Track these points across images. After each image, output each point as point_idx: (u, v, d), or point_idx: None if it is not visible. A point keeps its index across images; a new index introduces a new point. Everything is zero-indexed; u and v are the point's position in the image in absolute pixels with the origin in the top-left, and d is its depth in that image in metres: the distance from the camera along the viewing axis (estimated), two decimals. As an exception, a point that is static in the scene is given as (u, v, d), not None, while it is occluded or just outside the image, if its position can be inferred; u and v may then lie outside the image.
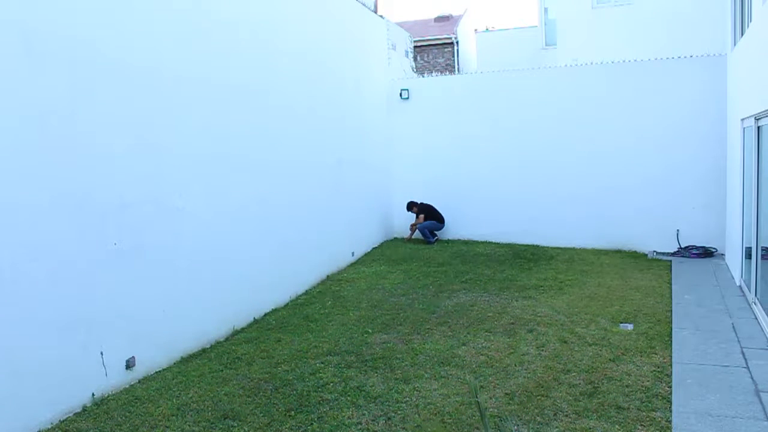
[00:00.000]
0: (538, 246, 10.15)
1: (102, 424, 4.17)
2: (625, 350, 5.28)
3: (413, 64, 13.47)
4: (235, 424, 4.12)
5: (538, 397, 4.40)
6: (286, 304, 7.18)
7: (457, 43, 18.96)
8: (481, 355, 5.28)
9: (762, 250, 6.18)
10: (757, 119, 6.25)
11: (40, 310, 4.09)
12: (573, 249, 9.92)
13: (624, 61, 9.70)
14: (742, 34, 7.56)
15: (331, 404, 4.39)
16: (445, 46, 19.08)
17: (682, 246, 9.37)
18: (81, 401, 4.41)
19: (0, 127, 3.79)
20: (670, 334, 5.69)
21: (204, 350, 5.65)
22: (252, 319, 6.53)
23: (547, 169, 10.15)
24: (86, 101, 4.43)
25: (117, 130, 4.72)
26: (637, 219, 9.67)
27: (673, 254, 9.32)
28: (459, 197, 10.75)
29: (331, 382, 4.78)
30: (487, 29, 21.11)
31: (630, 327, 5.92)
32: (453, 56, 18.98)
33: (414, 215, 10.95)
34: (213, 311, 5.89)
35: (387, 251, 10.19)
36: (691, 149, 9.27)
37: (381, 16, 11.26)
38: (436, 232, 10.83)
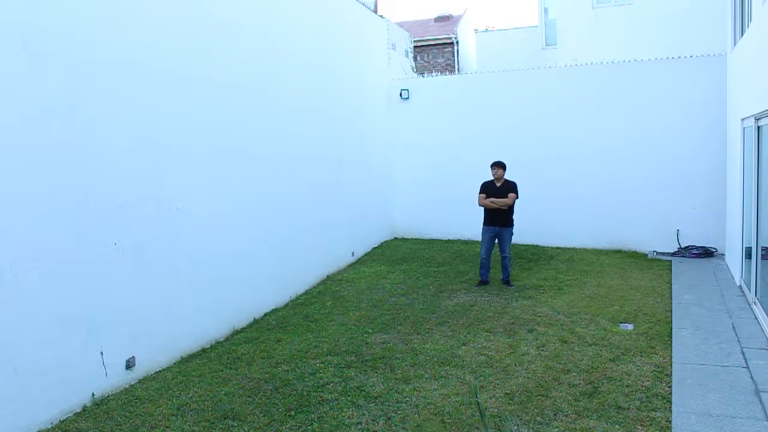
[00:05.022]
0: (538, 246, 10.15)
1: (102, 424, 4.17)
2: (625, 350, 5.28)
3: (413, 64, 13.47)
4: (235, 424, 4.12)
5: (538, 397, 4.40)
6: (286, 304, 7.18)
7: (457, 43, 18.95)
8: (481, 355, 5.28)
9: (762, 250, 6.18)
10: (757, 119, 6.25)
11: (40, 310, 4.09)
12: (573, 249, 9.92)
13: (624, 61, 9.70)
14: (742, 34, 7.56)
15: (331, 404, 4.39)
16: (445, 46, 19.06)
17: (682, 246, 9.37)
18: (81, 401, 4.41)
19: (0, 127, 3.80)
20: (670, 334, 5.69)
21: (204, 350, 5.65)
22: (252, 319, 6.53)
23: (548, 168, 10.15)
24: (86, 101, 4.43)
25: (117, 130, 4.72)
26: (637, 219, 9.67)
27: (673, 254, 9.32)
28: (459, 197, 10.73)
29: (331, 382, 4.78)
30: (487, 29, 21.09)
31: (630, 327, 5.92)
32: (453, 56, 18.97)
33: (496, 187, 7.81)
34: (213, 311, 5.89)
35: (387, 251, 10.19)
36: (691, 149, 9.27)
37: (381, 16, 11.26)
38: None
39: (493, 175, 7.74)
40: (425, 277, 8.30)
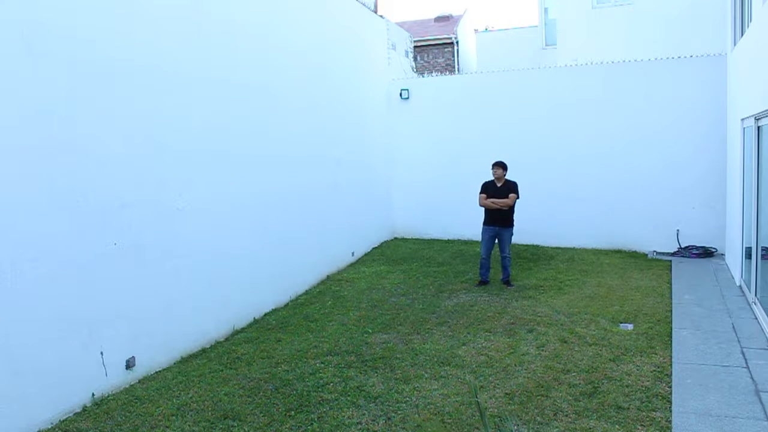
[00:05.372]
0: (538, 246, 10.15)
1: (102, 424, 4.17)
2: (625, 350, 5.28)
3: (413, 64, 13.47)
4: (235, 424, 4.12)
5: (538, 397, 4.40)
6: (286, 304, 7.18)
7: (457, 43, 18.94)
8: (481, 355, 5.28)
9: (762, 250, 6.18)
10: (757, 119, 6.25)
11: (40, 309, 4.09)
12: (573, 249, 9.92)
13: (624, 61, 9.69)
14: (742, 34, 7.56)
15: (331, 404, 4.39)
16: (445, 46, 19.05)
17: (682, 246, 9.37)
18: (81, 401, 4.41)
19: (0, 127, 3.80)
20: (670, 334, 5.69)
21: (204, 350, 5.65)
22: (252, 319, 6.53)
23: (547, 168, 10.15)
24: (86, 101, 4.43)
25: (117, 130, 4.72)
26: (637, 219, 9.67)
27: (673, 254, 9.32)
28: (459, 197, 10.73)
29: (331, 382, 4.78)
30: (487, 29, 21.10)
31: (630, 327, 5.92)
32: (453, 56, 18.96)
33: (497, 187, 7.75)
34: (213, 311, 5.89)
35: (387, 251, 10.19)
36: (691, 149, 9.27)
37: (381, 16, 11.26)
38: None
39: (494, 175, 7.75)
40: (425, 277, 8.30)
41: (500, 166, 7.75)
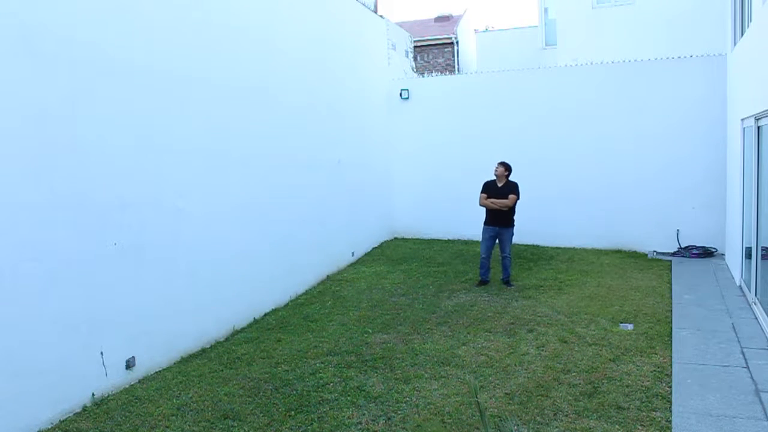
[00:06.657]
0: (538, 246, 10.14)
1: (102, 424, 4.17)
2: (625, 350, 5.28)
3: (413, 64, 13.47)
4: (235, 424, 4.12)
5: (538, 397, 4.40)
6: (286, 304, 7.18)
7: (457, 43, 18.95)
8: (481, 355, 5.28)
9: (762, 250, 6.18)
10: (757, 119, 6.25)
11: (40, 310, 4.09)
12: (573, 249, 9.92)
13: (624, 61, 9.69)
14: (742, 34, 7.56)
15: (331, 404, 4.39)
16: (445, 46, 19.06)
17: (682, 246, 9.37)
18: (81, 401, 4.41)
19: (0, 127, 3.80)
20: (670, 334, 5.69)
21: (204, 350, 5.65)
22: (252, 319, 6.53)
23: (547, 169, 10.14)
24: (86, 101, 4.43)
25: (117, 130, 4.72)
26: (637, 219, 9.67)
27: (673, 254, 9.32)
28: (459, 197, 10.73)
29: (331, 382, 4.78)
30: (487, 29, 21.11)
31: (630, 327, 5.92)
32: (453, 56, 18.96)
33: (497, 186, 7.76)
34: (213, 311, 5.89)
35: (387, 251, 10.19)
36: (691, 149, 9.27)
37: (381, 16, 11.25)
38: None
39: (495, 172, 7.76)
40: (425, 277, 8.30)
41: (502, 165, 7.80)
